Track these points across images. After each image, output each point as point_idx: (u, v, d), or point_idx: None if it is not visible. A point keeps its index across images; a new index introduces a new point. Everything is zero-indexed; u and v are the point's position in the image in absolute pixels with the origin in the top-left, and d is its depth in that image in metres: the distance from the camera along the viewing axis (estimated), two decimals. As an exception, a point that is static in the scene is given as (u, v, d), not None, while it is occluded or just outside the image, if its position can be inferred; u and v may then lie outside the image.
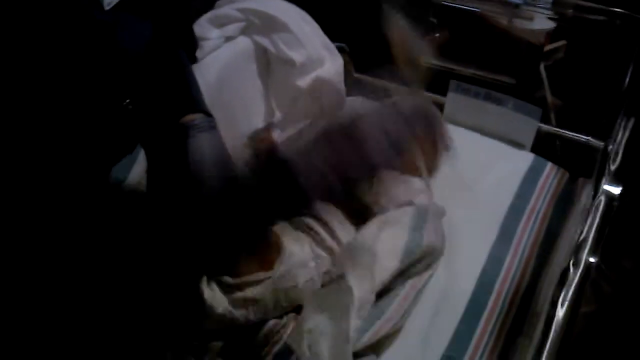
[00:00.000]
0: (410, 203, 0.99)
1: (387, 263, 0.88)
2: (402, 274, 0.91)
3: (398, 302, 0.89)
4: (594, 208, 0.77)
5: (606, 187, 0.79)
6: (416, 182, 1.07)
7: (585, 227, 0.75)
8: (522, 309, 0.94)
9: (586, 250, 0.72)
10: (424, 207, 0.97)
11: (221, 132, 0.90)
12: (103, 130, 0.85)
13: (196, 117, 0.84)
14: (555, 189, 1.16)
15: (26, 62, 0.73)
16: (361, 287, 0.82)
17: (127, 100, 0.85)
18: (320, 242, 0.91)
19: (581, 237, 0.74)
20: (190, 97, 0.87)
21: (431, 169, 1.12)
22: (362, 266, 0.85)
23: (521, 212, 1.11)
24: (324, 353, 0.79)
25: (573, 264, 0.71)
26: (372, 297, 0.84)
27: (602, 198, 0.78)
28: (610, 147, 0.90)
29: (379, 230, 0.91)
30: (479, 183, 1.16)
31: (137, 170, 0.92)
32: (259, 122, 1.11)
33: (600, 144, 1.08)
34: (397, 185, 1.02)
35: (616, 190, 0.78)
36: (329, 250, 0.91)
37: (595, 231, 0.73)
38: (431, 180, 1.14)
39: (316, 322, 0.82)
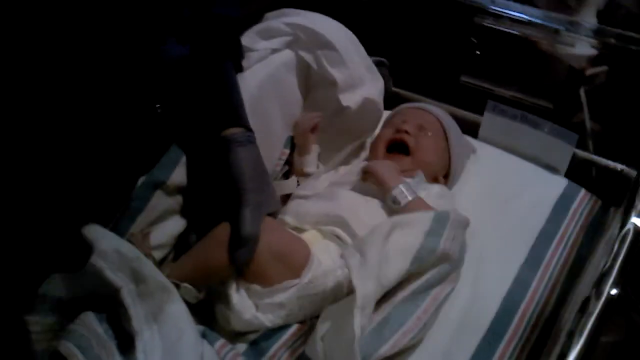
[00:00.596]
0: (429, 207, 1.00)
1: (396, 264, 0.87)
2: (423, 284, 0.90)
3: (418, 314, 0.88)
4: (619, 239, 0.77)
5: (634, 219, 0.80)
6: (434, 187, 1.09)
7: (610, 258, 0.76)
8: (545, 333, 0.95)
9: (609, 282, 0.73)
10: (445, 213, 0.96)
11: (259, 139, 0.95)
12: (133, 132, 0.88)
13: (237, 132, 0.88)
14: (587, 217, 1.16)
15: (69, 64, 0.75)
16: (364, 285, 0.81)
17: (158, 105, 0.90)
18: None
19: (605, 268, 0.75)
20: (233, 111, 0.91)
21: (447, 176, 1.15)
22: (368, 265, 0.83)
23: (551, 238, 1.11)
24: (337, 355, 0.80)
25: (595, 295, 0.73)
26: (377, 296, 0.84)
27: (630, 230, 0.78)
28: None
29: (391, 230, 0.89)
30: (512, 204, 1.18)
31: (179, 173, 0.96)
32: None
33: (633, 172, 1.08)
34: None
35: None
36: None
37: (620, 263, 0.74)
38: (455, 190, 1.16)
39: (326, 327, 0.84)
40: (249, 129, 0.91)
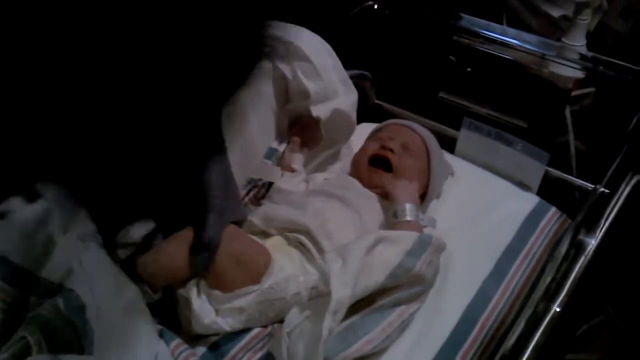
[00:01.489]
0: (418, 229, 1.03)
1: (373, 276, 0.90)
2: (392, 300, 0.94)
3: (382, 326, 0.92)
4: (566, 255, 0.79)
5: (581, 236, 0.82)
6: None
7: (558, 275, 0.78)
8: (499, 348, 0.97)
9: (553, 298, 0.75)
10: (428, 237, 1.00)
11: (235, 147, 0.98)
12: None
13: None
14: (554, 234, 1.18)
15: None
16: (340, 291, 0.85)
17: None
18: (311, 259, 0.97)
19: (551, 285, 0.77)
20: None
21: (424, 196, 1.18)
22: (348, 272, 0.87)
23: (517, 253, 1.14)
24: (300, 352, 0.83)
25: (541, 310, 0.75)
26: (349, 303, 0.87)
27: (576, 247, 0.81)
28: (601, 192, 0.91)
29: (376, 242, 0.93)
30: (482, 219, 1.20)
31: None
32: (270, 141, 1.18)
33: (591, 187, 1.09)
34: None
35: (589, 241, 0.81)
36: (319, 267, 0.96)
37: (563, 280, 0.76)
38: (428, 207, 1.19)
39: (295, 323, 0.87)
40: (222, 140, 0.94)
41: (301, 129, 1.19)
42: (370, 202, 1.11)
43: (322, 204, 1.05)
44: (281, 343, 0.85)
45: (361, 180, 1.15)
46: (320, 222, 1.00)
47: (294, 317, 0.90)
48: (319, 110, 1.10)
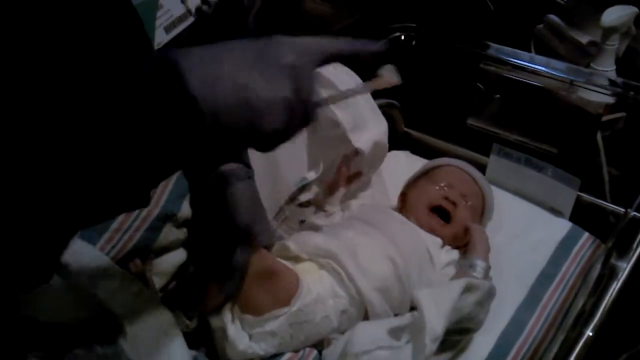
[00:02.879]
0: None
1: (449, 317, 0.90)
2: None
3: None
4: (602, 281, 0.79)
5: (613, 261, 0.81)
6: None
7: (590, 299, 0.77)
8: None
9: (586, 322, 0.74)
10: (494, 289, 1.01)
11: (264, 179, 0.99)
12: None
13: (235, 167, 0.93)
14: (588, 259, 1.17)
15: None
16: (436, 322, 0.87)
17: None
18: (341, 283, 0.97)
19: (584, 309, 0.76)
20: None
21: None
22: (441, 306, 0.89)
23: (551, 279, 1.13)
24: None
25: (573, 334, 0.74)
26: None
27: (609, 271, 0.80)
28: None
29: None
30: (514, 245, 1.20)
31: (186, 205, 1.01)
32: (302, 170, 1.20)
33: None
34: None
35: (622, 265, 0.80)
36: (349, 291, 0.96)
37: (596, 304, 0.75)
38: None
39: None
40: (249, 166, 0.96)
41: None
42: (410, 233, 1.11)
43: (356, 234, 1.05)
44: None
45: (416, 221, 1.15)
46: (350, 253, 0.99)
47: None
48: (358, 140, 1.12)
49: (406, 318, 0.95)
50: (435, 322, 0.86)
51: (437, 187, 1.18)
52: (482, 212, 1.21)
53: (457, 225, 1.14)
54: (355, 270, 0.96)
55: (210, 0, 0.85)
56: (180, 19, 0.83)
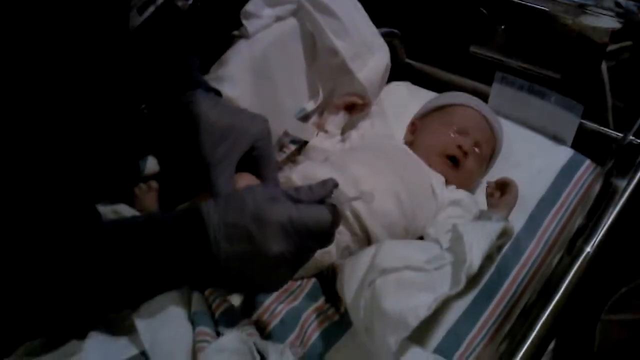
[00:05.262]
0: None
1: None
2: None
3: None
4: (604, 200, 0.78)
5: (613, 180, 0.80)
6: (461, 194, 1.13)
7: (590, 216, 0.76)
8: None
9: (587, 240, 0.74)
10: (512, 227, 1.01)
11: (264, 108, 0.98)
12: (121, 133, 0.87)
13: (196, 91, 0.88)
14: (589, 185, 1.16)
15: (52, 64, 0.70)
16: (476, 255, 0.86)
17: (143, 105, 0.90)
18: (345, 221, 0.95)
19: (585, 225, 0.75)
20: (191, 80, 0.91)
21: None
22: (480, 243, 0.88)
23: (551, 205, 1.13)
24: None
25: (567, 252, 0.74)
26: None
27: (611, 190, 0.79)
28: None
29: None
30: (516, 172, 1.18)
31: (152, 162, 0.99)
32: (303, 98, 1.18)
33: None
34: None
35: (621, 184, 0.79)
36: (352, 228, 0.97)
37: (594, 220, 0.75)
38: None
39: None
40: (211, 90, 0.91)
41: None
42: (416, 168, 1.10)
43: (361, 166, 1.04)
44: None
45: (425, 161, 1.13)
46: (356, 187, 0.97)
47: None
48: (361, 71, 1.10)
49: (434, 246, 0.95)
50: (475, 259, 0.85)
51: (451, 134, 1.15)
52: (490, 157, 1.19)
53: (463, 173, 1.14)
54: (361, 207, 0.95)
55: None
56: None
